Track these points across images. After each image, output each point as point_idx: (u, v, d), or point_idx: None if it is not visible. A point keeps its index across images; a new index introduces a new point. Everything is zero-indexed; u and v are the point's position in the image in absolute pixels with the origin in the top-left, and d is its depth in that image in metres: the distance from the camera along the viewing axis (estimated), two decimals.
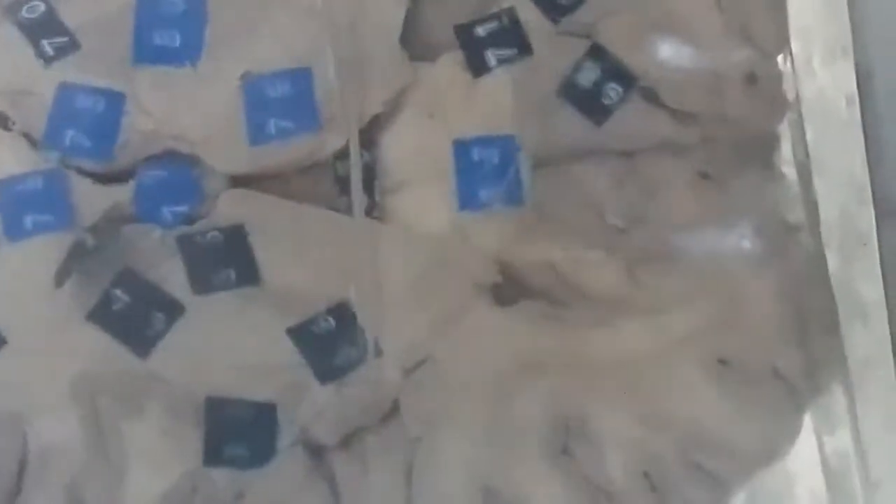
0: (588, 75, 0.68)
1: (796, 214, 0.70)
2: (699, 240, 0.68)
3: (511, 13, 0.69)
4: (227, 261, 0.66)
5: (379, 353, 0.65)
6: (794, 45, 0.71)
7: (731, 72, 0.69)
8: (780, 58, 0.70)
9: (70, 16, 0.68)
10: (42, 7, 0.68)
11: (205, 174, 0.67)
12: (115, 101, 0.67)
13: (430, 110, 0.68)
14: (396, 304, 0.66)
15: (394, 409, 0.65)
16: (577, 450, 0.65)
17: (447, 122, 0.68)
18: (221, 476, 0.64)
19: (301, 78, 0.67)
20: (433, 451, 0.65)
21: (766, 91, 0.70)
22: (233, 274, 0.66)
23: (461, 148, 0.67)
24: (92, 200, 0.67)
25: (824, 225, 0.71)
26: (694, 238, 0.68)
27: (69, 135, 0.67)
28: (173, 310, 0.65)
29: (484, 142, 0.67)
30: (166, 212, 0.67)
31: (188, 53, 0.68)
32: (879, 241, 0.71)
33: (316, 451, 0.65)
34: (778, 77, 0.70)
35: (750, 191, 0.69)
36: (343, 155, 0.67)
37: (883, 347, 0.71)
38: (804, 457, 0.69)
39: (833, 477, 0.70)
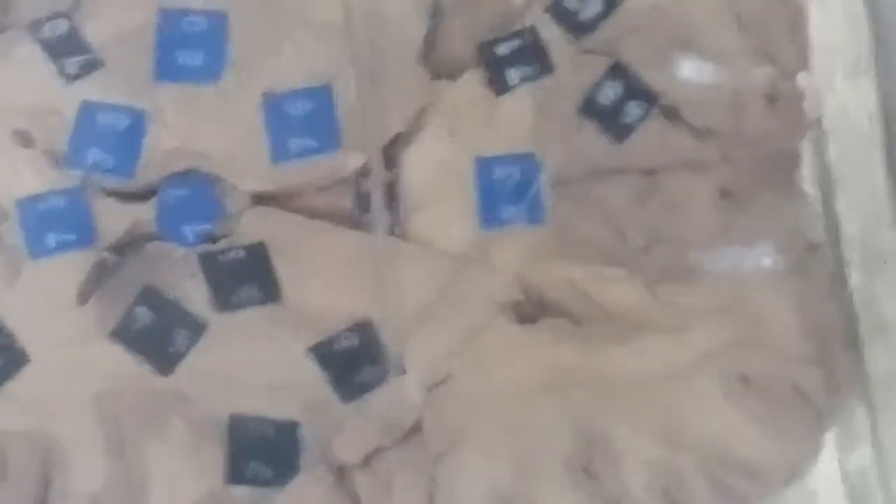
0: (609, 93, 0.69)
1: (817, 232, 0.71)
2: (720, 257, 0.68)
3: (532, 32, 0.69)
4: (249, 279, 0.66)
5: (401, 371, 0.65)
6: (816, 64, 0.71)
7: (751, 90, 0.69)
8: (801, 75, 0.70)
9: (93, 34, 0.69)
10: (65, 26, 0.69)
11: (227, 192, 0.68)
12: (137, 119, 0.67)
13: (451, 128, 0.69)
14: (418, 322, 0.66)
15: (416, 427, 0.66)
16: (598, 467, 0.65)
17: (468, 140, 0.68)
18: (244, 494, 0.64)
19: (322, 96, 0.68)
20: (455, 468, 0.65)
21: (786, 109, 0.70)
22: (255, 292, 0.66)
23: (483, 166, 0.68)
24: (114, 219, 0.67)
25: (845, 242, 0.71)
26: (715, 256, 0.68)
27: (91, 153, 0.67)
28: (196, 328, 0.66)
29: (505, 160, 0.68)
30: (188, 230, 0.67)
31: (210, 72, 0.68)
32: None
33: (338, 470, 0.65)
34: (799, 96, 0.70)
35: (771, 209, 0.69)
36: (365, 173, 0.67)
37: None
38: (825, 474, 0.69)
39: (854, 494, 0.70)
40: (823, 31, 0.73)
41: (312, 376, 0.65)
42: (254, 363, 0.65)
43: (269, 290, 0.66)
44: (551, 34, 0.69)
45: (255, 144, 0.67)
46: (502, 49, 0.69)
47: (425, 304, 0.66)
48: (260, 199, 0.68)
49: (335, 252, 0.67)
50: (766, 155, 0.70)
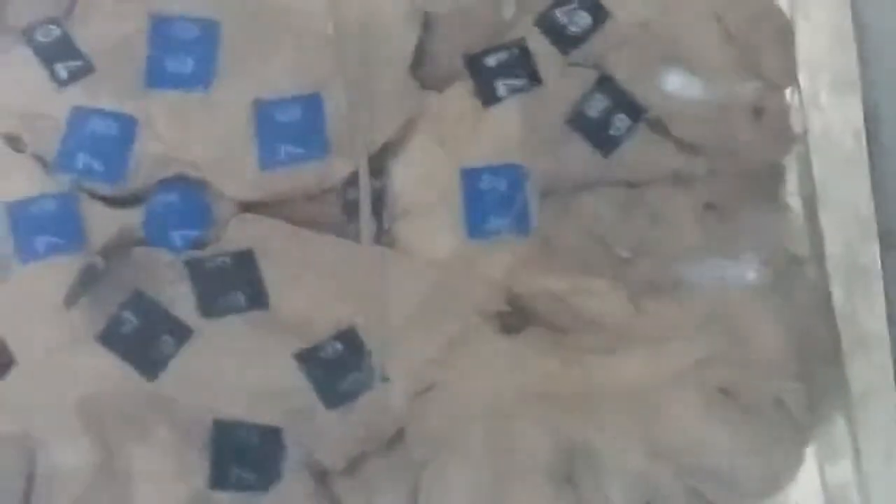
0: (596, 106, 0.69)
1: (801, 247, 0.71)
2: (704, 270, 0.68)
3: (521, 44, 0.70)
4: (235, 285, 0.66)
5: (385, 378, 0.66)
6: (802, 80, 0.72)
7: (738, 104, 0.70)
8: (787, 91, 0.71)
9: (84, 40, 0.69)
10: (57, 31, 0.69)
11: (215, 199, 0.68)
12: (127, 125, 0.68)
13: (439, 138, 0.69)
14: (403, 331, 0.66)
15: (399, 435, 0.66)
16: (579, 478, 0.66)
17: (456, 150, 0.69)
18: (227, 499, 0.64)
19: (312, 104, 0.68)
20: (438, 477, 0.65)
21: (772, 124, 0.70)
22: (241, 298, 0.66)
23: (469, 176, 0.68)
24: (103, 223, 0.67)
25: (829, 258, 0.71)
26: (699, 269, 0.68)
27: (81, 158, 0.67)
28: (182, 333, 0.66)
29: (492, 170, 0.68)
30: (176, 236, 0.67)
31: (200, 79, 0.68)
32: (884, 274, 0.72)
33: (321, 476, 0.65)
34: (785, 110, 0.71)
35: (755, 223, 0.69)
36: (352, 181, 0.68)
37: (885, 379, 0.71)
38: (806, 486, 0.69)
39: None
40: (810, 47, 0.73)
41: (297, 383, 0.65)
42: (239, 369, 0.66)
43: (256, 297, 0.66)
44: (540, 47, 0.70)
45: (243, 151, 0.68)
46: (491, 61, 0.69)
47: (411, 312, 0.67)
48: (248, 207, 0.68)
49: (322, 260, 0.67)
50: (751, 169, 0.70)
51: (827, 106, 0.73)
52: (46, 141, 0.68)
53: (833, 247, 0.71)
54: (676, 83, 0.69)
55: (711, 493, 0.65)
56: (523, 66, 0.69)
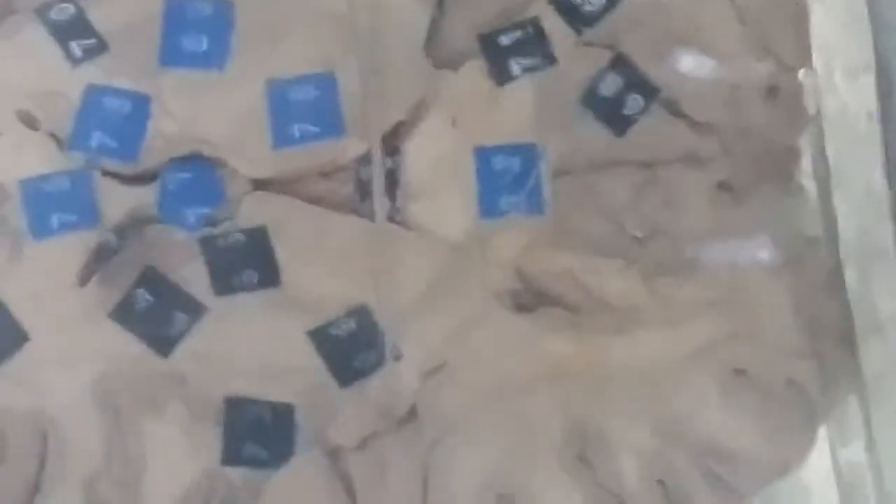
0: (610, 85, 0.69)
1: (815, 228, 0.71)
2: (717, 251, 0.68)
3: (535, 23, 0.70)
4: (248, 263, 0.67)
5: (398, 356, 0.66)
6: (817, 61, 0.72)
7: (752, 84, 0.70)
8: (801, 72, 0.71)
9: (99, 18, 0.69)
10: (71, 9, 0.69)
11: (228, 177, 0.68)
12: (141, 103, 0.68)
13: (452, 118, 0.69)
14: (416, 309, 0.66)
15: (411, 413, 0.66)
16: (592, 457, 0.66)
17: (469, 129, 0.69)
18: (239, 476, 0.65)
19: (325, 83, 0.68)
20: (449, 455, 0.65)
21: (786, 104, 0.70)
22: (254, 276, 0.66)
23: (483, 155, 0.68)
24: (116, 201, 0.67)
25: (843, 239, 0.71)
26: (712, 249, 0.68)
27: (95, 136, 0.67)
28: (195, 310, 0.66)
29: (506, 150, 0.68)
30: (190, 213, 0.67)
31: (214, 58, 0.68)
32: None
33: (333, 453, 0.66)
34: (798, 91, 0.71)
35: (769, 204, 0.69)
36: (366, 160, 0.68)
37: None
38: (818, 468, 0.70)
39: (847, 488, 0.70)
40: (824, 29, 0.73)
41: (310, 360, 0.66)
42: (252, 346, 0.66)
43: (269, 275, 0.67)
44: (554, 26, 0.70)
45: (256, 130, 0.68)
46: (505, 40, 0.69)
47: (423, 291, 0.67)
48: (261, 185, 0.68)
49: (335, 238, 0.67)
50: (765, 149, 0.70)
51: (841, 87, 0.73)
52: (60, 119, 0.68)
53: (847, 228, 0.71)
54: (690, 63, 0.69)
55: (724, 472, 0.65)
56: (537, 46, 0.69)
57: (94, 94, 0.68)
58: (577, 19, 0.70)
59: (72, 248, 0.67)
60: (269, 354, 0.66)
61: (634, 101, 0.69)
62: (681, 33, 0.70)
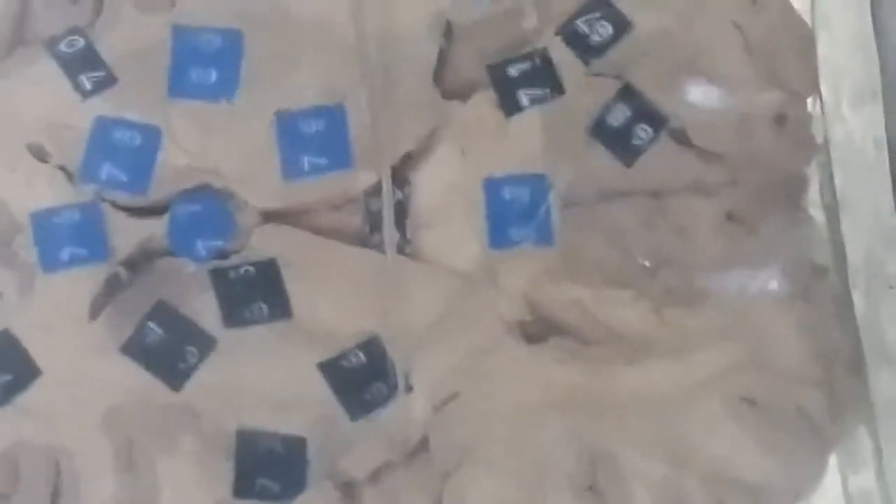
0: (618, 116, 0.69)
1: (823, 256, 0.71)
2: (726, 280, 0.68)
3: (544, 53, 0.70)
4: (259, 295, 0.67)
5: (409, 388, 0.66)
6: (824, 89, 0.72)
7: (760, 113, 0.70)
8: (809, 101, 0.71)
9: (108, 51, 0.69)
10: (81, 42, 0.69)
11: (238, 209, 0.68)
12: (151, 135, 0.68)
13: (461, 148, 0.69)
14: (426, 340, 0.67)
15: (423, 444, 0.66)
16: (603, 486, 0.66)
17: (479, 160, 0.69)
18: None
19: (335, 115, 0.68)
20: (462, 487, 0.65)
21: (794, 132, 0.70)
22: (265, 308, 0.67)
23: (492, 186, 0.68)
24: (127, 234, 0.67)
25: (851, 267, 0.71)
26: (721, 279, 0.68)
27: (105, 168, 0.67)
28: (206, 343, 0.66)
29: (515, 180, 0.68)
30: (200, 246, 0.67)
31: (224, 89, 0.68)
32: None
33: (345, 486, 0.65)
34: (807, 119, 0.71)
35: (777, 232, 0.69)
36: (375, 192, 0.68)
37: None
38: (828, 496, 0.70)
39: None
40: (831, 56, 0.73)
41: (321, 392, 0.66)
42: (263, 379, 0.66)
43: (279, 307, 0.67)
44: (562, 57, 0.70)
45: (266, 162, 0.68)
46: (513, 71, 0.70)
47: (433, 322, 0.67)
48: (271, 217, 0.68)
49: (345, 270, 0.68)
50: (773, 178, 0.70)
51: (849, 115, 0.73)
52: (70, 151, 0.68)
53: (855, 256, 0.71)
54: (698, 93, 0.70)
55: (735, 501, 0.65)
56: (545, 76, 0.69)
57: (103, 127, 0.68)
58: (584, 50, 0.70)
59: (82, 282, 0.67)
60: (279, 387, 0.66)
61: (643, 131, 0.69)
62: (688, 63, 0.70)
